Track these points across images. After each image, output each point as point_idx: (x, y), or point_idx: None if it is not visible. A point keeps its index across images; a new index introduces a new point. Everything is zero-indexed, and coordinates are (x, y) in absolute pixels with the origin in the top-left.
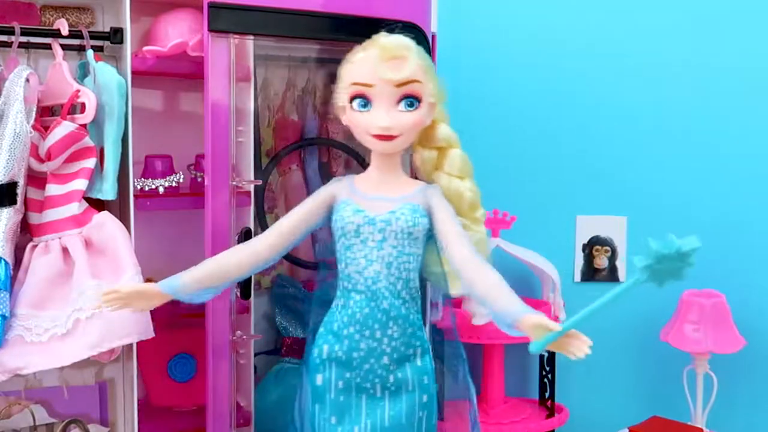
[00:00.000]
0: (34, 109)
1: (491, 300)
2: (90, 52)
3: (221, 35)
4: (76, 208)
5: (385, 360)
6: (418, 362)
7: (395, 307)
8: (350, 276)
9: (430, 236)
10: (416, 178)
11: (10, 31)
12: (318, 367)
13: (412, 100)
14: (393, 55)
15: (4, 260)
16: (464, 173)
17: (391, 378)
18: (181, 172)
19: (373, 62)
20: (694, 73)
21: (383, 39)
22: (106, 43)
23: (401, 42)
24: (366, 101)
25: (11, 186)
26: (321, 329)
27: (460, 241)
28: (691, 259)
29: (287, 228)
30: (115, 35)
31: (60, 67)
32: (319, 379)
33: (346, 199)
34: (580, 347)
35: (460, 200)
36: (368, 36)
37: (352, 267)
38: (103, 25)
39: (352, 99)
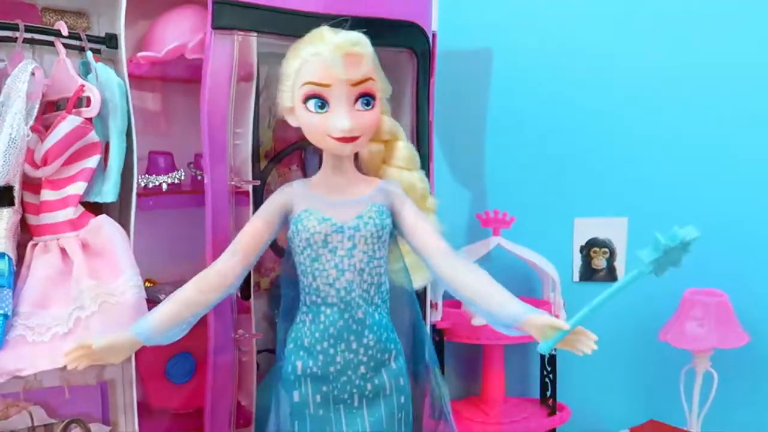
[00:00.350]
0: (37, 106)
1: (485, 301)
2: (89, 53)
3: (225, 32)
4: (71, 212)
5: (362, 369)
6: (393, 365)
7: (369, 314)
8: (319, 289)
9: (391, 233)
10: (361, 172)
11: (14, 27)
12: (294, 383)
13: (369, 99)
14: (349, 52)
15: (7, 255)
16: (412, 164)
17: (369, 386)
18: (182, 169)
19: (328, 61)
20: (693, 74)
21: (337, 36)
22: (103, 47)
23: (356, 39)
24: (323, 102)
25: (8, 189)
26: (290, 345)
27: (438, 241)
28: (690, 247)
29: (243, 250)
30: (110, 41)
31: (64, 63)
32: (296, 396)
33: (308, 209)
34: (587, 343)
35: (413, 192)
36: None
37: (321, 279)
38: (99, 31)
39: (306, 99)
